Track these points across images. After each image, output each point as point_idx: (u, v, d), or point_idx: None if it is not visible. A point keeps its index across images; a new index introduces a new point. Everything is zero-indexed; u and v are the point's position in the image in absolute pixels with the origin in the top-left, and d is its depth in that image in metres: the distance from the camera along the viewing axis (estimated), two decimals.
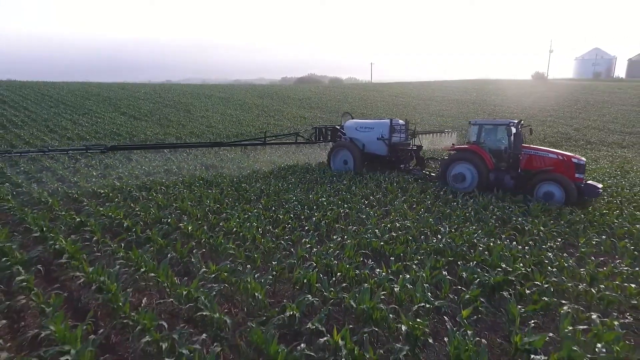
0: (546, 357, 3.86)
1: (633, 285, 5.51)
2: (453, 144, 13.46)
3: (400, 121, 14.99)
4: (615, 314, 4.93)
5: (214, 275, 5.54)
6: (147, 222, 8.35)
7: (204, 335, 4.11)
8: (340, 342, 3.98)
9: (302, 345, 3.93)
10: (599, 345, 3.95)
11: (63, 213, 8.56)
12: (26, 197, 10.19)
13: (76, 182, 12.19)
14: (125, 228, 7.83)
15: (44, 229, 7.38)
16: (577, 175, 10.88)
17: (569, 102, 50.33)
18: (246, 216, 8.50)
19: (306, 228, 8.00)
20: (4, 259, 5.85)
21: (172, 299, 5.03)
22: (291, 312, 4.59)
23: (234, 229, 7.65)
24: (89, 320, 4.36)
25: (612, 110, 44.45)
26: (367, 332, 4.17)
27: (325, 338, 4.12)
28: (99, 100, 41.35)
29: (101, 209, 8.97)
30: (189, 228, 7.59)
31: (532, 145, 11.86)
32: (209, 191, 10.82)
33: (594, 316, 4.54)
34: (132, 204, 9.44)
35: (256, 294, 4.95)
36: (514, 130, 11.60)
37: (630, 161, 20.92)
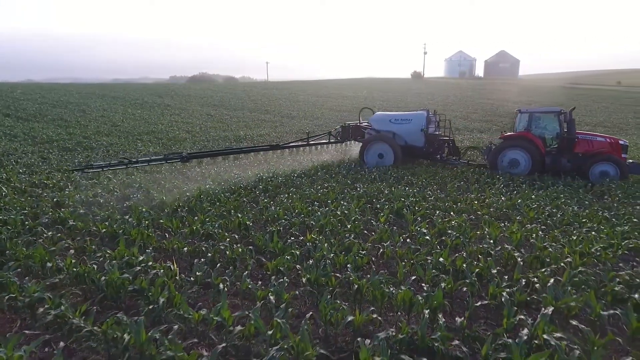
0: (427, 231, 6.83)
1: (476, 202, 9.01)
2: (502, 133, 14.54)
3: (431, 112, 15.33)
4: (465, 214, 8.23)
5: (207, 220, 7.53)
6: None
7: (227, 239, 6.24)
8: (314, 237, 6.46)
9: (291, 238, 6.32)
10: (453, 223, 7.08)
11: (34, 197, 9.48)
12: None
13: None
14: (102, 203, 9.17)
15: (27, 208, 8.42)
16: (622, 155, 12.41)
17: (441, 97, 58.95)
18: (204, 189, 10.37)
19: (257, 192, 10.22)
20: (26, 222, 7.07)
21: (184, 231, 6.95)
22: (274, 229, 6.91)
23: (201, 196, 9.55)
24: (137, 245, 6.15)
25: (473, 103, 53.56)
26: (328, 231, 6.73)
27: (302, 237, 6.56)
28: None
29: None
30: (163, 198, 9.28)
31: (580, 131, 13.35)
32: (158, 175, 12.27)
33: (452, 214, 7.74)
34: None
35: (247, 222, 7.15)
36: (568, 116, 12.83)
37: (485, 140, 26.77)
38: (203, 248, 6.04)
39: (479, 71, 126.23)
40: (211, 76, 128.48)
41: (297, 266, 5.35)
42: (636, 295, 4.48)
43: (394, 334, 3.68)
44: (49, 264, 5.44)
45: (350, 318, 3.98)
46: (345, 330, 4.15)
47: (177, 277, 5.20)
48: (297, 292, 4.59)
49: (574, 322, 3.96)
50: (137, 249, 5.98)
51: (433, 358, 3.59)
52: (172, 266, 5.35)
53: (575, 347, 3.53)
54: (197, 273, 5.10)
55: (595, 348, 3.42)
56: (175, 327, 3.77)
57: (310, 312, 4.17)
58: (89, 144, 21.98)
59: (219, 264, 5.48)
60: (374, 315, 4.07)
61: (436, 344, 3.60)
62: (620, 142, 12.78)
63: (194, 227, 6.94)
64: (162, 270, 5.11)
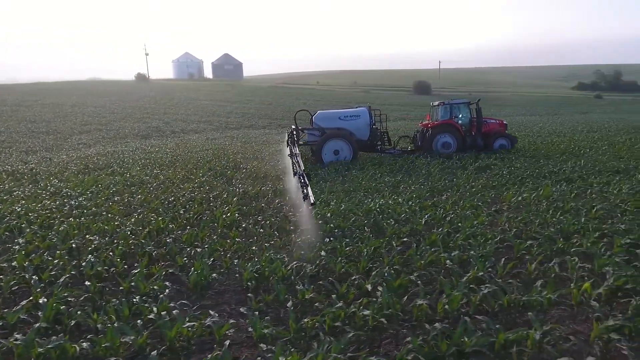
0: None
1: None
2: (428, 122, 16.84)
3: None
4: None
5: None
6: None
7: None
8: None
9: None
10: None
11: None
12: None
13: None
14: None
15: None
16: (506, 131, 16.83)
17: (165, 100, 58.03)
18: None
19: None
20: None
21: None
22: None
23: None
24: None
25: (196, 104, 55.10)
26: None
27: None
28: None
29: None
30: None
31: (483, 117, 16.60)
32: None
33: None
34: None
35: None
36: (479, 106, 15.99)
37: (192, 142, 27.80)
38: None
39: (208, 73, 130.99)
40: None
41: None
42: None
43: None
44: None
45: None
46: None
47: None
48: None
49: None
50: None
51: None
52: None
53: None
54: None
55: None
56: None
57: None
58: None
59: None
60: None
61: None
62: (504, 122, 17.41)
63: None
64: None
